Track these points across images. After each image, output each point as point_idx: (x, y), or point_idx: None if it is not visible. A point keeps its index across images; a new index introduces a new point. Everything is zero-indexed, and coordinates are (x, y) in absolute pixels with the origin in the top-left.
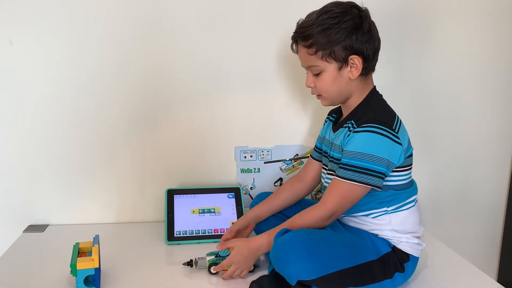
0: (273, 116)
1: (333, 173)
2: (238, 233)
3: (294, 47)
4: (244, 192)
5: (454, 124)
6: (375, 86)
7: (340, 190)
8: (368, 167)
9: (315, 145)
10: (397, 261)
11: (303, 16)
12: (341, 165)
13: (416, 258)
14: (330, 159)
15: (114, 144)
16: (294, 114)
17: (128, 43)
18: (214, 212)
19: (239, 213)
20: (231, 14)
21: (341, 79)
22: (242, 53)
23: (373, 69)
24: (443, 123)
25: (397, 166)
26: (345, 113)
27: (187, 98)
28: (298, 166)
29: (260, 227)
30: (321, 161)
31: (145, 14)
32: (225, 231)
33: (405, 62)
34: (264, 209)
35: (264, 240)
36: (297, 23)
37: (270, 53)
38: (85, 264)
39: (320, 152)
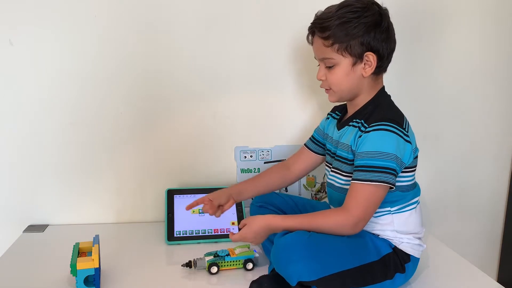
0: (273, 116)
1: (338, 171)
2: (218, 208)
3: (309, 38)
4: None
5: (454, 125)
6: (384, 87)
7: (363, 195)
8: (383, 165)
9: (313, 136)
10: (398, 261)
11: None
12: (358, 168)
13: (417, 259)
14: (336, 158)
15: (114, 144)
16: (294, 114)
17: (128, 43)
18: None
19: (239, 213)
20: (232, 14)
21: (354, 75)
22: (243, 53)
23: (385, 70)
24: (444, 124)
25: (406, 165)
26: (351, 111)
27: (187, 98)
28: None
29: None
30: (317, 152)
31: (145, 14)
32: (225, 232)
33: (408, 63)
34: (248, 187)
35: (281, 223)
36: (316, 15)
37: (270, 53)
38: (85, 264)
39: (318, 144)
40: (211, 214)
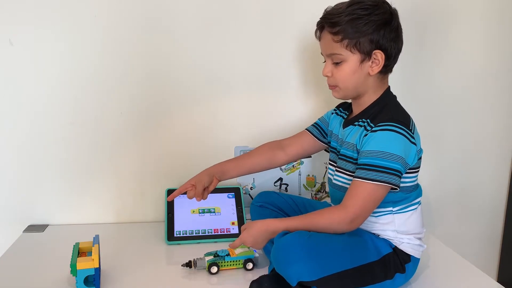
0: (273, 116)
1: (343, 171)
2: (203, 191)
3: (317, 33)
4: (244, 192)
5: (455, 125)
6: (389, 87)
7: (362, 193)
8: (388, 166)
9: (316, 123)
10: (398, 261)
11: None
12: (361, 166)
13: (417, 259)
14: (340, 156)
15: (114, 144)
16: (294, 113)
17: (128, 43)
18: (214, 212)
19: (239, 213)
20: (232, 15)
21: (361, 73)
22: (243, 53)
23: (390, 70)
24: (445, 124)
25: (410, 166)
26: (357, 110)
27: (187, 98)
28: (298, 166)
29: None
30: (317, 138)
31: (146, 14)
32: (225, 232)
33: (409, 63)
34: (232, 167)
35: (279, 225)
36: (325, 10)
37: (270, 53)
38: (85, 264)
39: (320, 131)
40: (198, 200)
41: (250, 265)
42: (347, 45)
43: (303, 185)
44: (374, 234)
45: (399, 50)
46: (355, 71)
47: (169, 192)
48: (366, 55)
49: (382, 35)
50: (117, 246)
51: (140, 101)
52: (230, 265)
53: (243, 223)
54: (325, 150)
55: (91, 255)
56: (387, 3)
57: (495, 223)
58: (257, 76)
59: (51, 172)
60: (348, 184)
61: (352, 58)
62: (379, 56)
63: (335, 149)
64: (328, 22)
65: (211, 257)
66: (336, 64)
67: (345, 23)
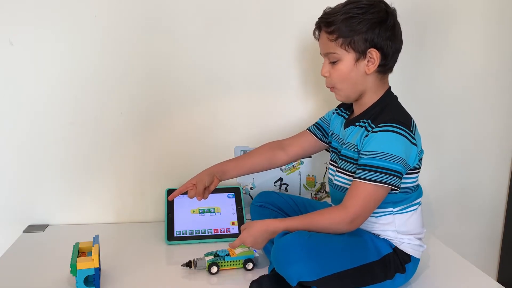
0: (273, 116)
1: (344, 171)
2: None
3: (316, 33)
4: (244, 192)
5: (456, 125)
6: (390, 87)
7: (362, 193)
8: (389, 167)
9: (317, 123)
10: (398, 262)
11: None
12: (361, 166)
13: (417, 259)
14: (341, 156)
15: (114, 144)
16: (294, 113)
17: (128, 43)
18: (214, 212)
19: (239, 213)
20: (232, 15)
21: (357, 72)
22: (243, 53)
23: (390, 70)
24: (445, 124)
25: (410, 167)
26: (358, 110)
27: (187, 98)
28: (298, 166)
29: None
30: (318, 138)
31: (146, 14)
32: (225, 232)
33: (409, 63)
34: (233, 167)
35: (279, 225)
36: (324, 11)
37: (270, 53)
38: (85, 264)
39: (321, 131)
40: (199, 199)
41: (250, 265)
42: (341, 43)
43: (303, 185)
44: (374, 234)
45: (397, 50)
46: (351, 70)
47: (169, 192)
48: (361, 53)
49: (377, 34)
50: (117, 246)
51: (140, 101)
52: (230, 265)
53: (243, 223)
54: (326, 150)
55: (91, 255)
56: (384, 2)
57: (495, 223)
58: (257, 76)
59: (51, 172)
60: (349, 184)
61: (347, 57)
62: (374, 55)
63: (336, 149)
64: (324, 22)
65: (211, 257)
66: (333, 63)
67: (340, 22)
